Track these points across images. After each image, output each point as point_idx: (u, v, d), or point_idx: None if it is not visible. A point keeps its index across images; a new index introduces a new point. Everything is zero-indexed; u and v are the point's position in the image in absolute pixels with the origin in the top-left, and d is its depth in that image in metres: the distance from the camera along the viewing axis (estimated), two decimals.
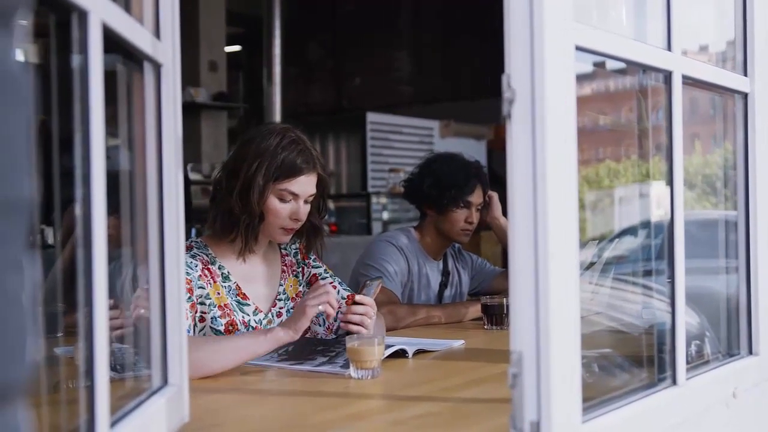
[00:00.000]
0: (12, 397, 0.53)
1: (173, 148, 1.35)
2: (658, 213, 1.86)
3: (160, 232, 1.33)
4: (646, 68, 1.52)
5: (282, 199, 2.16)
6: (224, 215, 2.17)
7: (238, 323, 2.16)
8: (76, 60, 0.99)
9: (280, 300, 2.30)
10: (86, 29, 0.98)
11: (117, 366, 1.33)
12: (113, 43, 1.09)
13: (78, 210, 0.99)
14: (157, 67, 1.32)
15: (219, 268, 2.19)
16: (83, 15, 0.98)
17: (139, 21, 1.24)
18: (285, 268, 2.35)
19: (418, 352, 2.14)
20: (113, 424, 1.06)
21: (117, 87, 1.27)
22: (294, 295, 2.33)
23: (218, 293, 2.15)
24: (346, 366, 1.87)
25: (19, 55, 0.54)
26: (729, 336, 1.82)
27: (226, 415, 1.58)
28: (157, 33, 1.32)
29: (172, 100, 1.35)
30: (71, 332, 1.24)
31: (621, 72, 1.67)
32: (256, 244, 2.23)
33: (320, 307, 1.96)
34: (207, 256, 2.19)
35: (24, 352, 0.55)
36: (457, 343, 2.31)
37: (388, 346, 2.00)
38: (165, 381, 1.34)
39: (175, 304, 1.35)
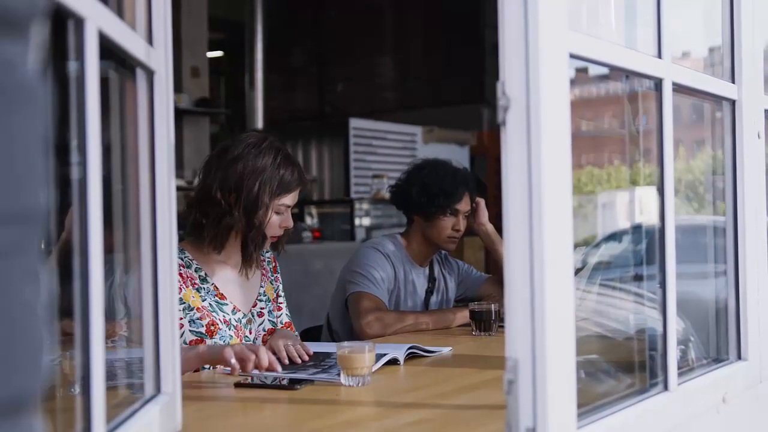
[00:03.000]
0: (30, 407, 0.53)
1: (166, 155, 1.35)
2: (642, 218, 1.87)
3: (152, 240, 1.33)
4: (637, 75, 1.53)
5: (278, 213, 2.26)
6: (224, 231, 2.22)
7: (219, 322, 2.21)
8: (71, 66, 0.99)
9: (261, 300, 2.37)
10: (82, 36, 0.98)
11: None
12: (106, 49, 1.08)
13: (74, 217, 0.98)
14: (150, 74, 1.31)
15: (196, 271, 2.24)
16: (80, 22, 0.97)
17: (132, 27, 1.24)
18: (264, 271, 2.42)
19: (410, 357, 2.14)
20: None
21: (109, 94, 1.27)
22: (272, 299, 2.42)
23: (193, 297, 2.20)
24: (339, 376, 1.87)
25: (34, 64, 0.53)
26: (718, 341, 1.83)
27: (218, 423, 1.57)
28: (149, 40, 1.32)
29: (164, 107, 1.34)
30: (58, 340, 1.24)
31: (604, 78, 1.68)
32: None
33: (233, 361, 1.88)
34: (182, 260, 2.22)
35: (41, 362, 0.54)
36: (445, 350, 2.31)
37: (379, 356, 1.99)
38: (158, 389, 1.33)
39: (168, 313, 1.35)
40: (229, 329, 2.22)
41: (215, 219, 2.20)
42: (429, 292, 3.08)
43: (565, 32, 1.20)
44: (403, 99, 9.26)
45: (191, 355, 1.98)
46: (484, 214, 3.07)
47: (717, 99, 1.79)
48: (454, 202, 2.93)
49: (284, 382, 1.85)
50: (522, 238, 1.15)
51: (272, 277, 2.45)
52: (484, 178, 7.19)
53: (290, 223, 2.29)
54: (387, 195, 3.21)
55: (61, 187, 1.01)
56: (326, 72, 9.90)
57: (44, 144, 0.55)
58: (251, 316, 2.32)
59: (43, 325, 0.54)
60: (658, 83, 1.50)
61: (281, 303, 2.47)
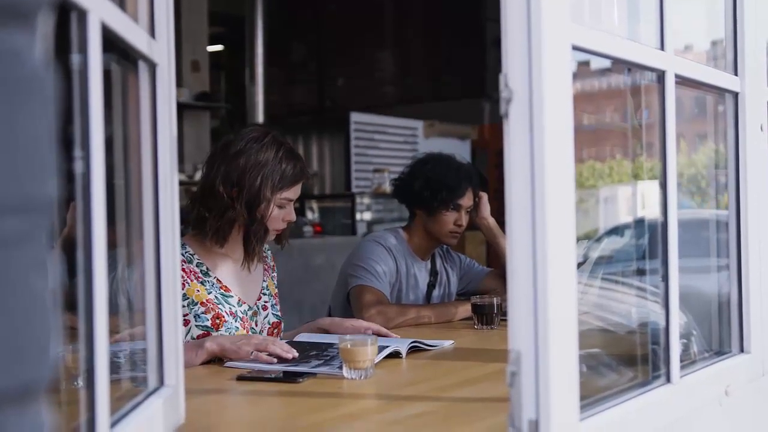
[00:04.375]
0: (38, 396, 0.53)
1: (168, 149, 1.34)
2: (644, 212, 1.87)
3: (155, 233, 1.32)
4: (640, 68, 1.53)
5: (280, 206, 2.26)
6: (226, 225, 2.23)
7: (225, 314, 2.22)
8: (74, 59, 0.98)
9: (264, 294, 2.39)
10: (85, 28, 0.97)
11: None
12: (108, 41, 1.08)
13: (77, 211, 0.98)
14: (152, 66, 1.31)
15: (197, 265, 2.25)
16: (83, 14, 0.97)
17: (134, 20, 1.24)
18: (266, 266, 2.44)
19: (412, 351, 2.14)
20: (113, 425, 1.05)
21: (111, 86, 1.26)
22: (273, 294, 2.44)
23: (198, 290, 2.21)
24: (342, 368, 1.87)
25: (41, 55, 0.53)
26: (720, 334, 1.83)
27: (221, 416, 1.57)
28: (152, 32, 1.31)
29: (167, 100, 1.34)
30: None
31: (605, 71, 1.68)
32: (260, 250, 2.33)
33: (252, 355, 2.00)
34: (183, 255, 2.22)
35: (48, 352, 0.54)
36: (447, 343, 2.32)
37: (381, 347, 2.00)
38: (161, 382, 1.33)
39: (171, 306, 1.35)
40: (236, 321, 2.23)
41: (218, 213, 2.21)
42: (431, 285, 3.08)
43: (568, 24, 1.20)
44: (404, 93, 9.26)
45: (200, 352, 2.00)
46: (486, 209, 3.06)
47: (720, 91, 1.79)
48: (457, 198, 2.92)
49: (286, 375, 1.86)
50: (525, 231, 1.15)
51: (272, 275, 2.47)
52: (485, 172, 7.19)
53: (293, 217, 2.31)
54: (388, 189, 3.21)
55: (63, 182, 1.00)
56: (327, 66, 9.89)
57: (52, 135, 0.55)
58: (256, 309, 2.34)
59: (52, 315, 0.54)
60: (661, 75, 1.50)
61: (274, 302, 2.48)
